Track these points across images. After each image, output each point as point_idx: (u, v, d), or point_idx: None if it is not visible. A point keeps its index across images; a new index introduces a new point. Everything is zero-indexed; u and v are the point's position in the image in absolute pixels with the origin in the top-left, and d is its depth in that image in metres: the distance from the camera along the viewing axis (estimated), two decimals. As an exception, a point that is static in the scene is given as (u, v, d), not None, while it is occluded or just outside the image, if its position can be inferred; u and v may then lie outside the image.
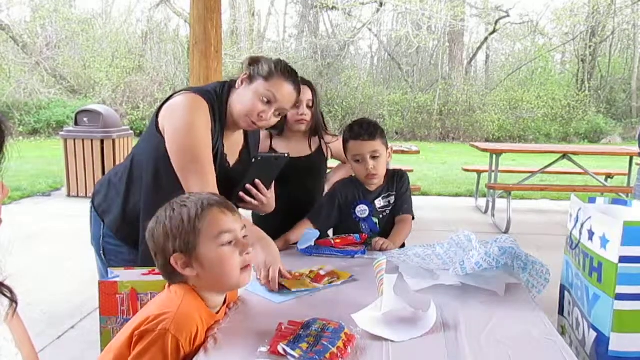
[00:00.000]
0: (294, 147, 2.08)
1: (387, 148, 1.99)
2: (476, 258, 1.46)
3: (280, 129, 2.09)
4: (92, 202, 1.77)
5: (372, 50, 18.63)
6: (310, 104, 2.07)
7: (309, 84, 2.06)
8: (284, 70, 1.62)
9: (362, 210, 1.98)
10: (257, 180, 1.71)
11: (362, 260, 1.72)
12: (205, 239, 1.15)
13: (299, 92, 1.67)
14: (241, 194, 1.71)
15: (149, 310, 1.11)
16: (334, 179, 2.22)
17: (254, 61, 1.66)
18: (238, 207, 1.67)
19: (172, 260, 1.15)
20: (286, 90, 1.61)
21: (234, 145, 1.76)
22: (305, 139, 2.16)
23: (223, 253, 1.16)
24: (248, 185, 1.71)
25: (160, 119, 1.60)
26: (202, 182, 1.50)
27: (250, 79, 1.62)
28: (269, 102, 1.60)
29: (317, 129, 2.15)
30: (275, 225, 1.85)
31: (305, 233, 1.84)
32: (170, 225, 1.15)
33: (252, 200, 1.72)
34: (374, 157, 1.92)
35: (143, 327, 1.05)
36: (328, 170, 2.33)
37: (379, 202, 2.00)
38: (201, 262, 1.15)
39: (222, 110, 1.64)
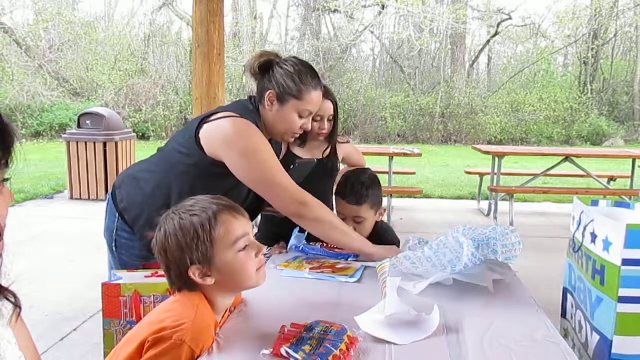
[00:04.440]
0: (310, 151, 2.16)
1: (379, 209, 1.97)
2: (464, 261, 1.45)
3: (303, 139, 2.10)
4: (112, 194, 1.76)
5: (374, 53, 18.64)
6: (331, 118, 2.10)
7: (331, 97, 2.07)
8: (310, 80, 1.67)
9: None
10: None
11: (363, 263, 1.71)
12: (222, 248, 1.15)
13: (322, 88, 1.74)
14: None
15: (162, 318, 1.09)
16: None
17: (266, 66, 1.68)
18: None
19: (190, 273, 1.13)
20: (317, 99, 1.71)
21: None
22: (321, 143, 2.20)
23: (241, 259, 1.17)
24: None
25: (205, 142, 1.61)
26: (286, 194, 1.61)
27: (280, 99, 1.66)
28: (306, 116, 1.71)
29: (332, 136, 2.18)
30: (288, 225, 1.85)
31: (295, 236, 1.88)
32: (183, 237, 1.13)
33: None
34: (356, 222, 1.90)
35: (159, 334, 1.03)
36: None
37: None
38: (219, 270, 1.15)
39: (260, 126, 1.69)
